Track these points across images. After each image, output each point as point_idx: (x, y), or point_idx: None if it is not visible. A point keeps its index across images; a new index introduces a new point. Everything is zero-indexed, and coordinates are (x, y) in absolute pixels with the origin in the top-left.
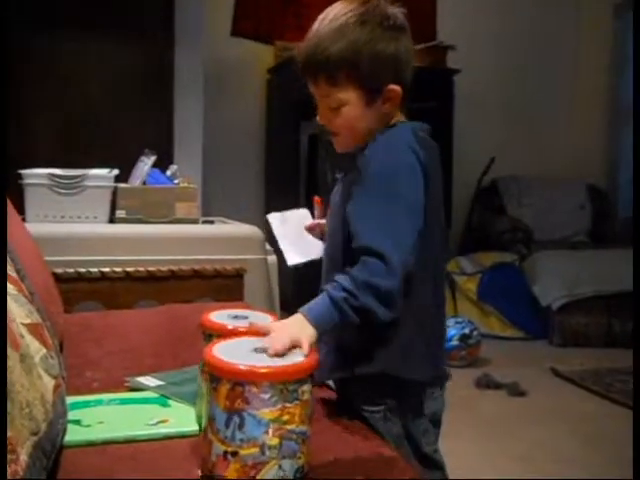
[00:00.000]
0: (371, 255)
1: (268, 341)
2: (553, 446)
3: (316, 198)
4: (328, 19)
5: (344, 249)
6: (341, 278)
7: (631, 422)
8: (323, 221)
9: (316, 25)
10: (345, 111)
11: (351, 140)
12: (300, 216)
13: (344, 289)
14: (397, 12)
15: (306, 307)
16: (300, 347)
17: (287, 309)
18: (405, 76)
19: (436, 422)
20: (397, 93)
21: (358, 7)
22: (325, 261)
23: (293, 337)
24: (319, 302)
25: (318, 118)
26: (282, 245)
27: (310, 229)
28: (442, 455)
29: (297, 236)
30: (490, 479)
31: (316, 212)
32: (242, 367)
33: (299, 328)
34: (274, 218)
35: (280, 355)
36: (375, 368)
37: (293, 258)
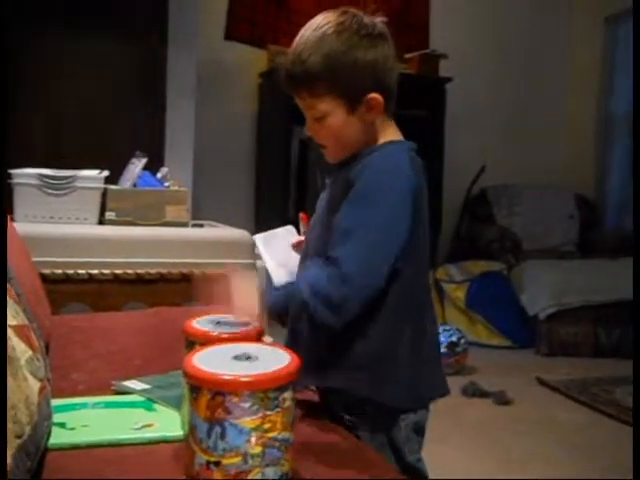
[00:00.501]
0: (334, 264)
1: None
2: (538, 454)
3: (302, 215)
4: (308, 32)
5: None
6: (301, 275)
7: (616, 432)
8: None
9: (296, 39)
10: (328, 122)
11: (339, 151)
12: (286, 233)
13: (298, 288)
14: (376, 21)
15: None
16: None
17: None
18: (387, 83)
19: (419, 430)
20: (378, 101)
21: (337, 18)
22: (305, 253)
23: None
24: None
25: (306, 129)
26: (268, 266)
27: (296, 246)
28: (425, 464)
29: (284, 254)
30: None
31: (302, 228)
32: (222, 377)
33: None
34: (259, 239)
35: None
36: (361, 393)
37: (280, 278)
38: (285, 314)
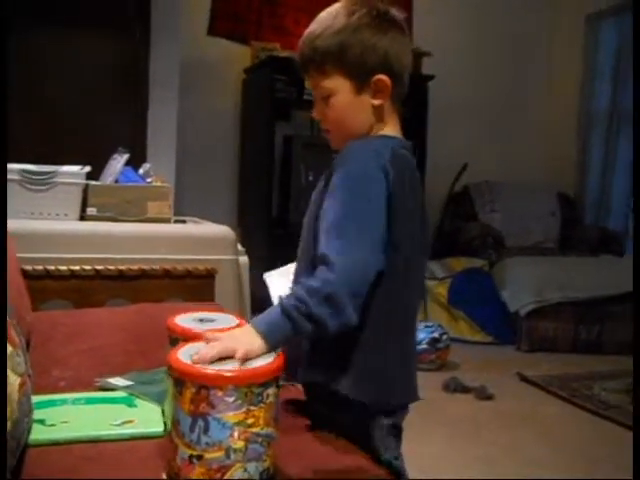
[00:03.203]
0: (324, 261)
1: (201, 349)
2: (519, 449)
3: None
4: (320, 18)
5: (314, 245)
6: (296, 287)
7: (595, 426)
8: None
9: (311, 24)
10: (334, 100)
11: (343, 136)
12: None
13: (296, 297)
14: (391, 9)
15: (257, 317)
16: (233, 359)
17: (258, 310)
18: (396, 70)
19: (396, 429)
20: (385, 84)
21: (349, 2)
22: (298, 254)
23: (228, 348)
24: (271, 312)
25: (314, 114)
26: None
27: None
28: (404, 463)
29: None
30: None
31: None
32: (207, 370)
33: (242, 339)
34: (270, 276)
35: (205, 363)
36: (346, 392)
37: None
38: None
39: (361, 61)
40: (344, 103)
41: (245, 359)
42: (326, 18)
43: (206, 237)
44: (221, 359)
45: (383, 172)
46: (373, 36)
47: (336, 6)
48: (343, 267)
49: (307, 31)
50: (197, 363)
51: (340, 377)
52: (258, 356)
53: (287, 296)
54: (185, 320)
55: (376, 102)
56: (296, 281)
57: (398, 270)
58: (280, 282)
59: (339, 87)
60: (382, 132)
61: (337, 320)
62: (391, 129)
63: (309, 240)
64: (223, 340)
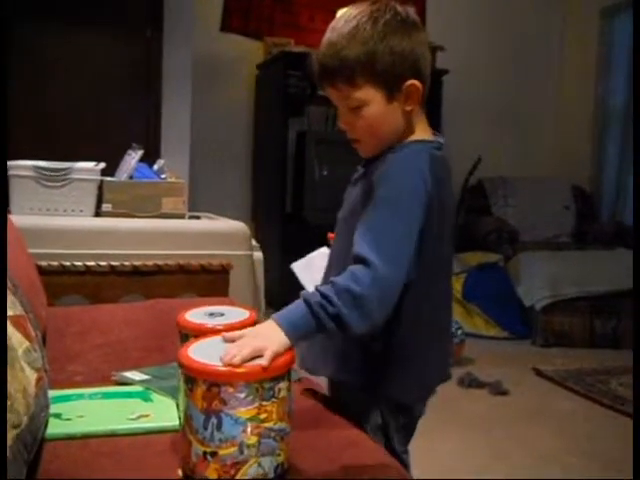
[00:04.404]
0: (360, 263)
1: (229, 350)
2: (534, 444)
3: (330, 235)
4: (340, 23)
5: (348, 246)
6: (322, 287)
7: (611, 421)
8: None
9: (328, 32)
10: (366, 111)
11: (374, 144)
12: (322, 255)
13: (321, 294)
14: (408, 9)
15: (280, 313)
16: (263, 357)
17: (273, 305)
18: (423, 72)
19: (412, 427)
20: (417, 88)
21: (368, 7)
22: (332, 253)
23: (257, 348)
24: (294, 308)
25: (340, 124)
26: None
27: None
28: (410, 459)
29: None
30: (471, 479)
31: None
32: (217, 368)
33: (269, 337)
34: (297, 267)
35: (237, 365)
36: (383, 391)
37: None
38: (308, 336)
39: (392, 69)
40: (377, 113)
41: (275, 357)
42: (348, 27)
43: (220, 232)
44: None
45: (424, 184)
46: (401, 42)
47: (354, 13)
48: (381, 273)
49: (328, 41)
50: (227, 365)
51: (382, 381)
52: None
53: (313, 293)
54: (195, 315)
55: (408, 107)
56: (327, 277)
57: (427, 276)
58: (307, 272)
59: (371, 97)
60: (415, 136)
61: (363, 323)
62: (422, 131)
63: (344, 239)
64: (250, 339)
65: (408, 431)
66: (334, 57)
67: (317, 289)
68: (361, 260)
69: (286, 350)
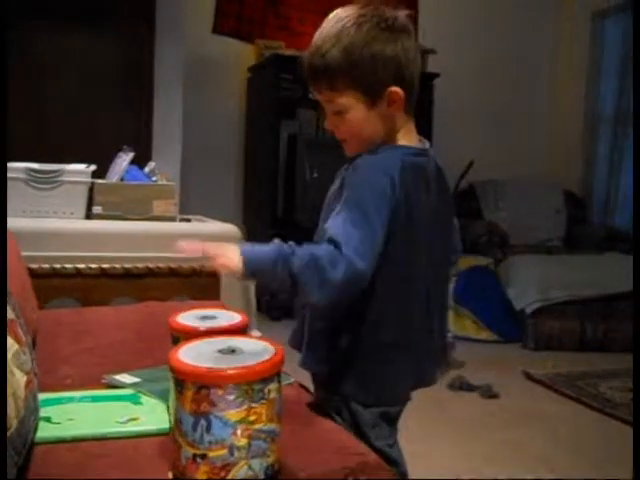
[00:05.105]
0: (330, 242)
1: (188, 246)
2: (524, 447)
3: None
4: (328, 25)
5: None
6: (298, 246)
7: (601, 424)
8: None
9: (317, 34)
10: (348, 116)
11: (359, 146)
12: None
13: (294, 252)
14: (399, 14)
15: (249, 244)
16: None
17: (264, 308)
18: (407, 78)
19: (388, 418)
20: (399, 95)
21: (357, 11)
22: None
23: (214, 252)
24: (263, 247)
25: (326, 124)
26: None
27: None
28: (401, 451)
29: None
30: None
31: None
32: (206, 370)
33: (227, 251)
34: None
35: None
36: (341, 387)
37: None
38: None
39: (373, 76)
40: (358, 118)
41: (219, 268)
42: (333, 31)
43: (212, 235)
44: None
45: (391, 188)
46: (384, 49)
47: (342, 15)
48: (352, 263)
49: (314, 43)
50: (187, 250)
51: (341, 377)
52: (232, 274)
53: (287, 246)
54: (187, 318)
55: (390, 112)
56: None
57: (394, 279)
58: None
59: (352, 103)
60: (396, 141)
61: (317, 298)
62: (405, 137)
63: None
64: (213, 245)
65: (387, 424)
66: (319, 60)
67: (292, 245)
68: (331, 239)
69: (235, 274)
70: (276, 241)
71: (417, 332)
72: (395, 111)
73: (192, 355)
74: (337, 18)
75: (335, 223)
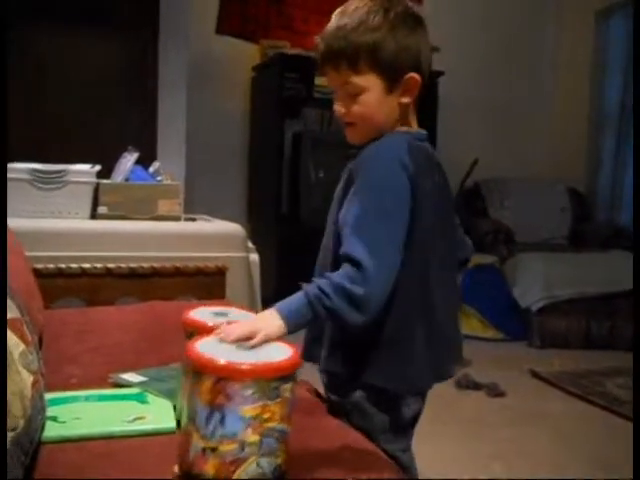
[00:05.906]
0: (349, 262)
1: (225, 328)
2: (530, 446)
3: None
4: (351, 8)
5: (335, 242)
6: (320, 280)
7: (607, 423)
8: None
9: (336, 18)
10: (364, 98)
11: (366, 131)
12: None
13: (319, 288)
14: (415, 7)
15: (281, 302)
16: (254, 339)
17: (269, 306)
18: (424, 69)
19: (402, 426)
20: (416, 82)
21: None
22: (321, 251)
23: (252, 329)
24: (293, 298)
25: (335, 108)
26: None
27: None
28: (413, 457)
29: None
30: (468, 479)
31: None
32: (225, 363)
33: (264, 321)
34: None
35: (229, 341)
36: (365, 378)
37: None
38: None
39: (395, 60)
40: (375, 101)
41: (265, 340)
42: (359, 12)
43: (216, 234)
44: (239, 348)
45: (404, 171)
46: (407, 36)
47: (365, 0)
48: (373, 270)
49: (335, 24)
50: (223, 341)
51: (364, 370)
52: (277, 337)
53: (312, 286)
54: (201, 313)
55: (405, 100)
56: (320, 274)
57: (415, 266)
58: None
59: (371, 85)
60: (401, 129)
61: (357, 318)
62: (411, 125)
63: (331, 237)
64: (247, 321)
65: (399, 430)
66: (341, 39)
67: (315, 282)
68: (351, 258)
69: (282, 335)
70: (304, 285)
71: (441, 326)
72: (409, 98)
73: (210, 348)
74: (359, 4)
75: (349, 234)
